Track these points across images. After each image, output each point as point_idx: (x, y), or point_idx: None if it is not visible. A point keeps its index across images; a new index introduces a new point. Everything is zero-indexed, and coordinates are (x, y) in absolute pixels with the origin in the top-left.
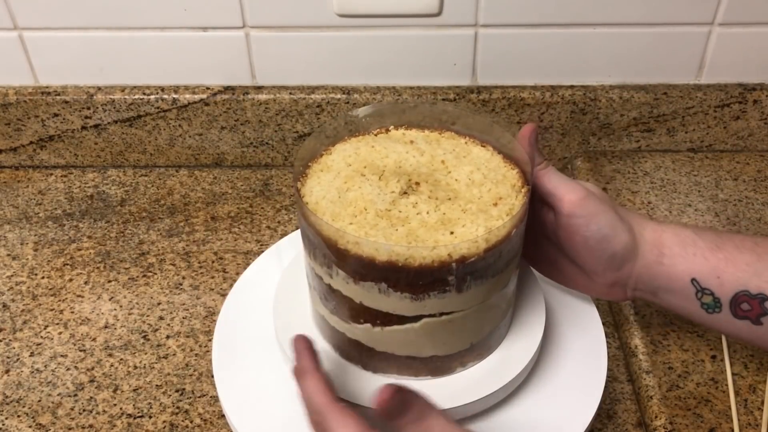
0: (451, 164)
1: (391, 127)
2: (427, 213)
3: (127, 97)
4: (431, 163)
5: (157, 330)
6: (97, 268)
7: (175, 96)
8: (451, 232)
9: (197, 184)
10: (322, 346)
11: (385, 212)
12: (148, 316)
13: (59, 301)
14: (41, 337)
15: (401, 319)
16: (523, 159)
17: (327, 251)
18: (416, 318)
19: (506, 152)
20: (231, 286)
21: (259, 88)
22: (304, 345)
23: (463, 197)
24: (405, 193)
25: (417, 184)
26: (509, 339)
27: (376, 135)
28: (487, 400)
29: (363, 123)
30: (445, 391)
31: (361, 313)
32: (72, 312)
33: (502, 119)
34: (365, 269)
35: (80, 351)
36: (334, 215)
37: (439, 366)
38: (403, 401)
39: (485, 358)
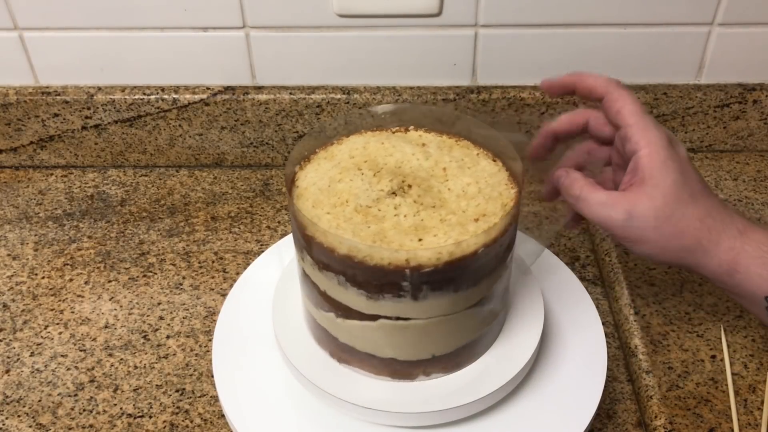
0: (451, 173)
1: (411, 127)
2: (405, 216)
3: (127, 97)
4: (432, 169)
5: (157, 330)
6: (98, 268)
7: (175, 96)
8: (420, 239)
9: (197, 184)
10: (302, 326)
11: (365, 208)
12: (148, 316)
13: (59, 301)
14: (41, 337)
15: (360, 315)
16: (519, 179)
17: (299, 235)
18: (373, 317)
19: (513, 170)
20: (231, 286)
21: (259, 88)
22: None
23: (447, 207)
24: (393, 193)
25: (409, 186)
26: (498, 347)
27: (393, 132)
28: (459, 411)
29: (382, 119)
30: (408, 396)
31: (325, 301)
32: (72, 312)
33: (501, 119)
34: (327, 259)
35: (80, 351)
36: (316, 203)
37: (398, 370)
38: None
39: (453, 372)
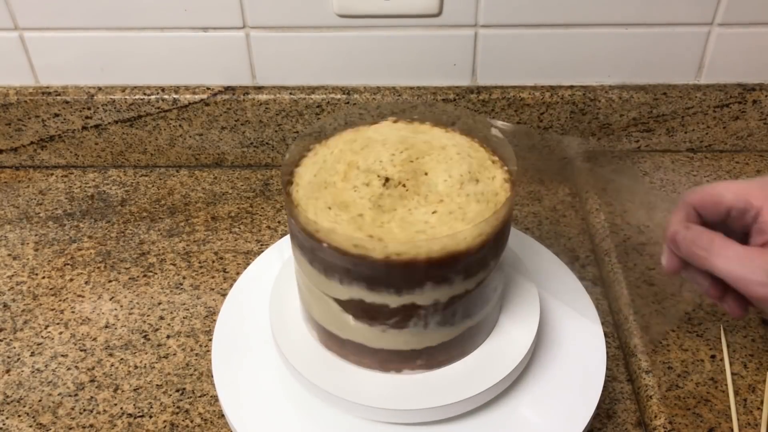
0: (440, 207)
1: (498, 160)
2: (360, 199)
3: (127, 97)
4: (440, 192)
5: (157, 330)
6: (98, 267)
7: (175, 96)
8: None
9: (197, 184)
10: (299, 323)
11: (346, 176)
12: (148, 315)
13: (60, 300)
14: (42, 336)
15: (299, 261)
16: (515, 180)
17: None
18: (305, 269)
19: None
20: (231, 286)
21: (259, 88)
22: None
23: (404, 216)
24: (387, 179)
25: (403, 186)
26: (492, 343)
27: (471, 141)
28: (456, 408)
29: (501, 133)
30: (404, 393)
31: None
32: (72, 312)
33: (501, 119)
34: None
35: (81, 351)
36: (338, 152)
37: (322, 334)
38: None
39: (344, 360)
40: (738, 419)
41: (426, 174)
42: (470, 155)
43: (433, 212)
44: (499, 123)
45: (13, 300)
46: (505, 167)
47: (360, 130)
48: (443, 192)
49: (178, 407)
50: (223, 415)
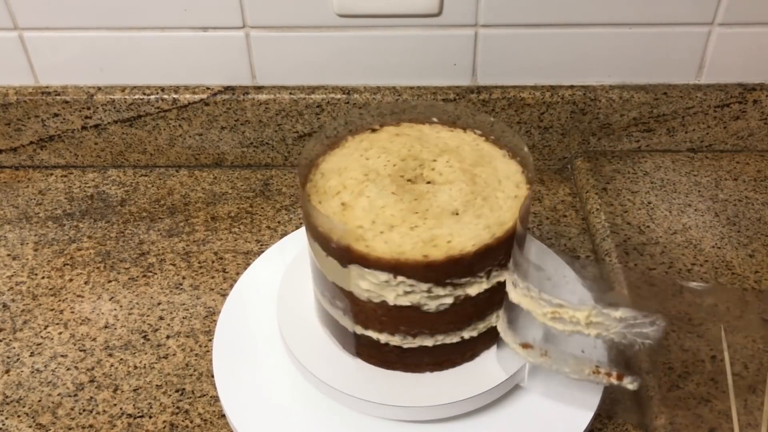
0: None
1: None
2: (375, 176)
3: (127, 97)
4: (461, 186)
5: (157, 330)
6: (97, 268)
7: (175, 96)
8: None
9: (197, 184)
10: (307, 319)
11: (360, 181)
12: (148, 316)
13: (59, 301)
14: (41, 337)
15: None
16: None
17: None
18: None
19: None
20: (231, 286)
21: (259, 88)
22: None
23: (399, 206)
24: (418, 176)
25: (418, 182)
26: (493, 348)
27: (479, 137)
28: (457, 407)
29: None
30: (407, 391)
31: None
32: (72, 312)
33: (501, 119)
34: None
35: (80, 351)
36: (337, 157)
37: (319, 310)
38: None
39: (356, 357)
40: (738, 420)
41: (441, 175)
42: (483, 152)
43: (455, 213)
44: (693, 284)
45: (13, 300)
46: (522, 169)
47: (371, 133)
48: (460, 191)
49: (178, 407)
50: (223, 416)
